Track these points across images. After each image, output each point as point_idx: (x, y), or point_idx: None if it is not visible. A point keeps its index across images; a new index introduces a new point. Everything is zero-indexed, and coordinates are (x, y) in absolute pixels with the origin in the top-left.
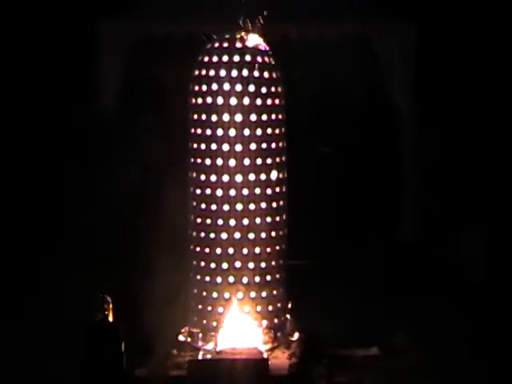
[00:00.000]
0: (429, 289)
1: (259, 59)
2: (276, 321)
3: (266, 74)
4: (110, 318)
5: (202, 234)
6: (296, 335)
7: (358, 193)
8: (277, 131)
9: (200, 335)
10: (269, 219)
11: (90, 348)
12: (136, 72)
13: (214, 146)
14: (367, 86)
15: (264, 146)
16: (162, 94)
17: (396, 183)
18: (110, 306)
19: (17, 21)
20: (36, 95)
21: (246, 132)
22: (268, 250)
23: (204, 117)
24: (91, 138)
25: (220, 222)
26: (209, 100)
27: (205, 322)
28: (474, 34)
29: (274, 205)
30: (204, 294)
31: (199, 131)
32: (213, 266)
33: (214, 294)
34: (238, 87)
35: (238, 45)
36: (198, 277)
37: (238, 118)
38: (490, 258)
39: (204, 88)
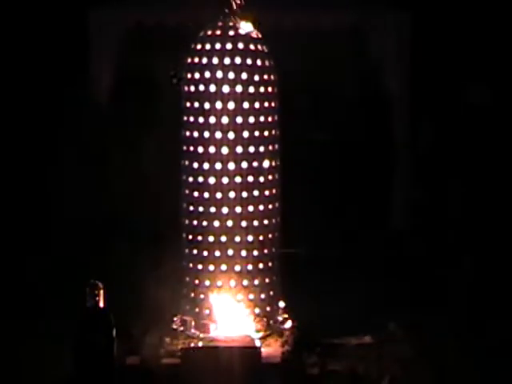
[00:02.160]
0: (421, 277)
1: (252, 47)
2: (268, 309)
3: (258, 62)
4: (101, 304)
5: (195, 222)
6: (289, 323)
7: (351, 181)
8: (269, 119)
9: (192, 323)
10: (261, 207)
11: (81, 334)
12: (127, 60)
13: (206, 134)
14: (361, 75)
15: (257, 133)
16: (154, 83)
17: (388, 171)
18: (102, 291)
19: (6, 9)
20: (25, 84)
21: (239, 120)
22: (261, 237)
23: (197, 104)
24: (83, 127)
25: (213, 209)
26: (201, 88)
27: (197, 309)
28: (469, 22)
29: (267, 193)
30: (196, 281)
31: (192, 119)
32: (205, 253)
33: (207, 282)
34: (231, 75)
35: (231, 32)
36: (191, 265)
37: (231, 105)
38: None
39: (197, 76)
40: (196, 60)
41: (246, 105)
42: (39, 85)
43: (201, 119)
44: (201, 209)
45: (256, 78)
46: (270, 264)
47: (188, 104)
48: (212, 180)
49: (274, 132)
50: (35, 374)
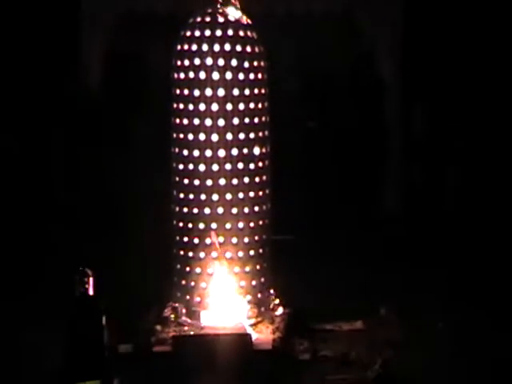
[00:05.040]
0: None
1: (241, 33)
2: (259, 295)
3: (248, 48)
4: (91, 292)
5: (185, 209)
6: (280, 310)
7: (343, 166)
8: (259, 106)
9: (183, 311)
10: (252, 194)
11: (71, 322)
12: (118, 47)
13: (196, 121)
14: (353, 60)
15: (247, 120)
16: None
17: (381, 157)
18: (91, 279)
19: None
20: (15, 72)
21: (229, 106)
22: (251, 224)
23: (186, 92)
24: (74, 115)
25: (203, 196)
26: (191, 75)
27: (188, 297)
28: (463, 8)
29: (257, 179)
30: (187, 269)
31: (182, 106)
32: (196, 241)
33: (197, 270)
34: (221, 62)
35: (221, 19)
36: (182, 252)
37: (221, 92)
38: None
39: (186, 63)
40: (186, 47)
41: (235, 91)
42: (29, 72)
43: (190, 106)
44: (191, 196)
45: (246, 64)
46: (260, 251)
47: (178, 91)
48: (202, 167)
49: (264, 118)
50: (29, 366)
